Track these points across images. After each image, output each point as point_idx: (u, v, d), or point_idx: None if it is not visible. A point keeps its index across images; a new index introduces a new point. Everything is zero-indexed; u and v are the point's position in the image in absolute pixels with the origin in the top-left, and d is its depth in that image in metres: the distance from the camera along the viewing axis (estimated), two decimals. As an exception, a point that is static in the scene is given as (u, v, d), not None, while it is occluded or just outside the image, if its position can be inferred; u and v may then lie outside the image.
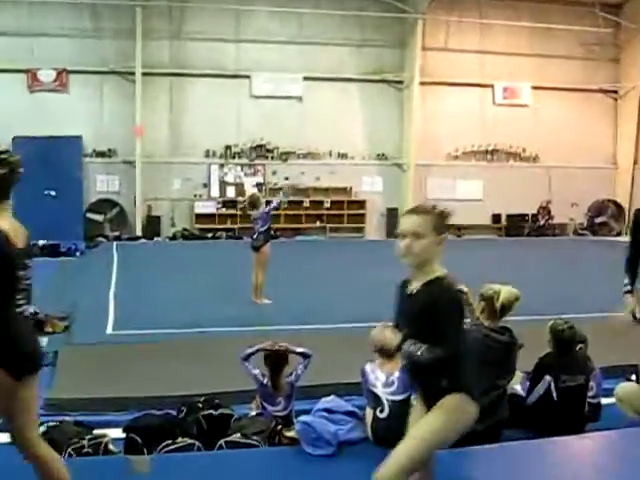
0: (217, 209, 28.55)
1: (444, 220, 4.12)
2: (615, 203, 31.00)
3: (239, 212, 25.75)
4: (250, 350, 6.48)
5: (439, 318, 3.91)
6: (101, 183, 27.33)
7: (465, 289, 5.62)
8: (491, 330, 6.08)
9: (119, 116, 27.12)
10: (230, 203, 28.40)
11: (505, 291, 6.10)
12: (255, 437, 5.81)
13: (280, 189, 26.72)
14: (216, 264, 19.17)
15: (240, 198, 25.41)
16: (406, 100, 29.50)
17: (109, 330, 10.89)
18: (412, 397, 4.82)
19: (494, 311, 6.09)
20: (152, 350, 9.33)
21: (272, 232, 13.77)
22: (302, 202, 28.94)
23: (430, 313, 3.93)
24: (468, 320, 5.69)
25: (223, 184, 28.71)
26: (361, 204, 29.65)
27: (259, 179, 28.82)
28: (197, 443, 5.81)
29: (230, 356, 7.05)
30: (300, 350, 6.56)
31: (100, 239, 25.88)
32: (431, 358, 3.91)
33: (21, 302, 4.38)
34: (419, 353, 3.95)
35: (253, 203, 13.36)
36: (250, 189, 25.62)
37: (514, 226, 30.52)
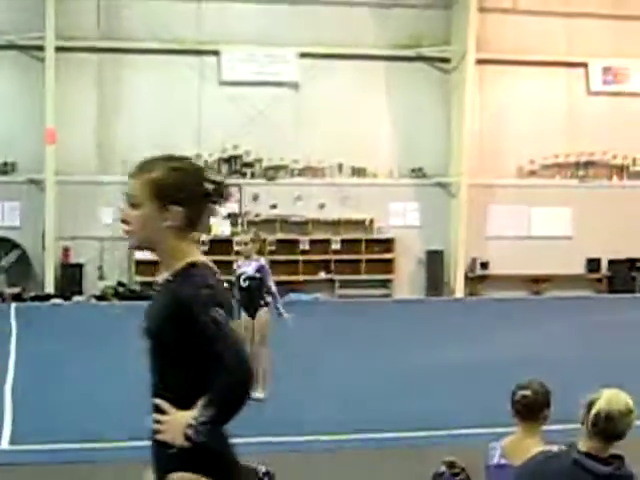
0: (169, 253, 26.08)
1: None
2: None
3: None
4: None
5: None
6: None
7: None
8: (587, 456, 5.07)
9: (21, 113, 25.49)
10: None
11: (607, 397, 5.02)
12: None
13: (265, 222, 25.88)
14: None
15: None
16: (455, 87, 27.51)
17: (3, 445, 10.47)
18: None
19: (589, 427, 5.15)
20: (71, 474, 9.32)
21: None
22: (297, 242, 26.51)
23: None
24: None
25: (178, 215, 25.95)
26: (388, 245, 27.45)
27: (232, 207, 26.67)
28: None
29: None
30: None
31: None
32: None
33: None
34: None
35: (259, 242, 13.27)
36: (218, 222, 25.16)
37: (621, 277, 28.76)
